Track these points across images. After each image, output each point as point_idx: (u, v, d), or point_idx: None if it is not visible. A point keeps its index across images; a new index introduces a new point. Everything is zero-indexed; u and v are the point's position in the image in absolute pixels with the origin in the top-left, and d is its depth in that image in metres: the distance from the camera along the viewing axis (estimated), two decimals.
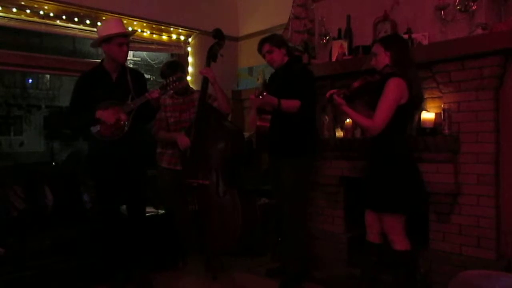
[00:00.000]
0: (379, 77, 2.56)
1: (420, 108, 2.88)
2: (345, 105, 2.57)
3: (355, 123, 3.26)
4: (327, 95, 2.61)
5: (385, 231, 2.59)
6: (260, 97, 2.83)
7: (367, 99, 2.66)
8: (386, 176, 2.53)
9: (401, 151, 2.56)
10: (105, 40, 2.88)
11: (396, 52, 2.54)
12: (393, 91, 2.45)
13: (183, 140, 3.29)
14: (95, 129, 2.90)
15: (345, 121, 3.47)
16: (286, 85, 3.03)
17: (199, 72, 3.34)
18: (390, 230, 2.55)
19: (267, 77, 3.62)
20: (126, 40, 2.94)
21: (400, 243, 2.53)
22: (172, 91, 3.21)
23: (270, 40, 3.17)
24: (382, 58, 2.57)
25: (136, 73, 3.15)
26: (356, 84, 2.58)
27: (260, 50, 3.20)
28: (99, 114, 2.86)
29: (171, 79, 3.01)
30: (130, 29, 4.02)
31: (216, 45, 3.33)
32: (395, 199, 2.50)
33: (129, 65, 3.33)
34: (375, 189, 2.58)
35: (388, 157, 2.54)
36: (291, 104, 2.95)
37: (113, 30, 2.88)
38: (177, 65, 3.59)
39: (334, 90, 2.61)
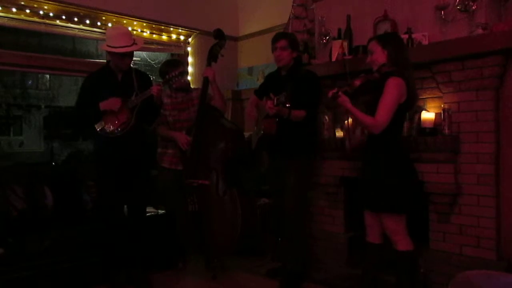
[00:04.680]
0: (378, 75, 2.54)
1: (414, 108, 2.84)
2: (349, 102, 2.52)
3: (356, 122, 3.24)
4: (330, 93, 2.54)
5: (386, 232, 2.58)
6: (279, 105, 2.82)
7: (364, 98, 2.63)
8: (384, 176, 2.51)
9: (399, 150, 2.56)
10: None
11: (394, 51, 2.51)
12: (394, 90, 2.44)
13: (183, 139, 3.29)
14: (99, 125, 2.93)
15: (345, 122, 3.46)
16: (294, 91, 3.00)
17: (202, 74, 3.34)
18: (392, 231, 2.54)
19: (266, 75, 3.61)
20: (128, 53, 2.94)
21: (403, 244, 2.52)
22: (175, 86, 3.21)
23: (289, 38, 3.12)
24: (379, 57, 2.54)
25: (141, 74, 3.19)
26: (357, 82, 2.55)
27: (275, 42, 3.10)
28: (103, 105, 2.89)
29: (173, 74, 3.02)
30: (130, 29, 4.01)
31: (217, 45, 3.33)
32: (394, 199, 2.49)
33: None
34: (373, 190, 2.56)
35: (386, 156, 2.53)
36: (299, 115, 2.99)
37: (116, 43, 2.89)
38: (177, 61, 3.60)
39: (336, 88, 2.56)
